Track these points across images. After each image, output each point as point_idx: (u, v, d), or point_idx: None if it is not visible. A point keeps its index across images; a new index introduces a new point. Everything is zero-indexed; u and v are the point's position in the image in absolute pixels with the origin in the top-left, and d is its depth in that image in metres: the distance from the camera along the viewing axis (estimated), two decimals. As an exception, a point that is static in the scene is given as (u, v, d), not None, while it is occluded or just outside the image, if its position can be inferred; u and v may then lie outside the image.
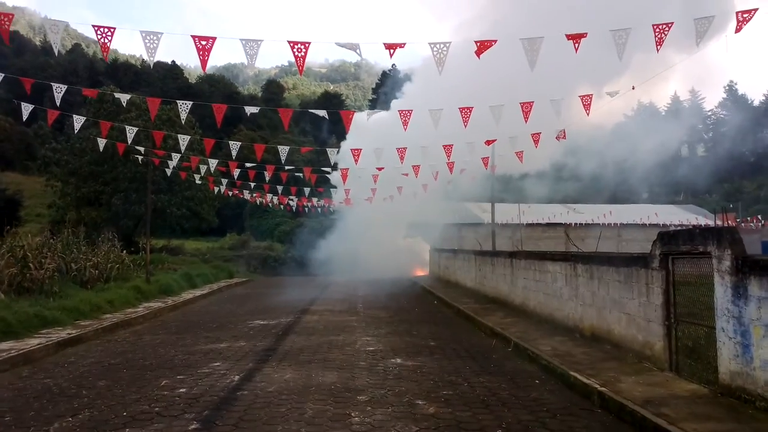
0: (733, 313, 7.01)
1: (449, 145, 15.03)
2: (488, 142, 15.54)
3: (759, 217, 47.79)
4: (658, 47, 8.86)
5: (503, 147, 16.33)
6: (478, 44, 8.26)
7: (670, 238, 8.48)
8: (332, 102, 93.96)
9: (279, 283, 31.47)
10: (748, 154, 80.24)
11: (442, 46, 8.30)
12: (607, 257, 10.77)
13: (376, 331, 13.86)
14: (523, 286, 15.68)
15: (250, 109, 14.07)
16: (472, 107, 11.33)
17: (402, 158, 15.28)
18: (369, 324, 15.04)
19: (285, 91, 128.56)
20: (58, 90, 12.01)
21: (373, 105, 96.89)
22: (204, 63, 8.45)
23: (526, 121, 11.35)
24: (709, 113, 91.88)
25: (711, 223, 46.34)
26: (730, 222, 49.68)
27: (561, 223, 43.42)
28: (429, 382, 8.67)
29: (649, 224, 42.60)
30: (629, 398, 7.23)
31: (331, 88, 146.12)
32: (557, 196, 52.47)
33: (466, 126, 11.31)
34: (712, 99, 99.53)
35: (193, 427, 6.60)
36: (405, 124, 11.44)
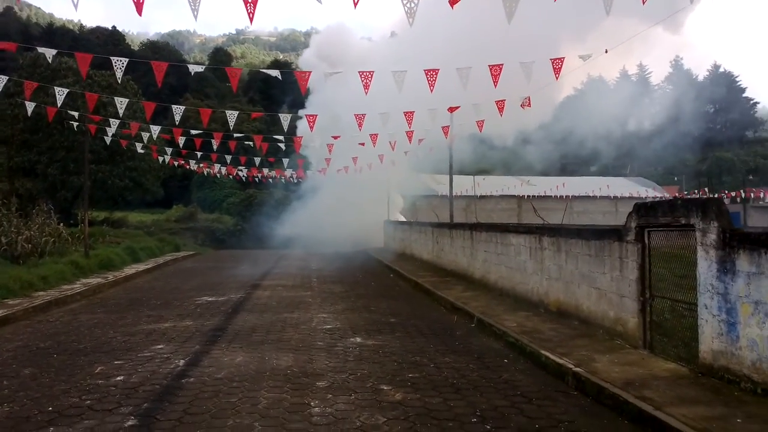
0: (718, 289, 6.61)
1: (410, 112, 14.26)
2: (451, 110, 14.86)
3: (707, 190, 49.22)
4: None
5: (468, 114, 15.65)
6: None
7: (647, 210, 8.04)
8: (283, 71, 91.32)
9: (228, 256, 30.37)
10: (692, 128, 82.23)
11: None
12: (576, 230, 10.33)
13: (332, 307, 13.19)
14: (483, 259, 15.24)
15: (194, 68, 13.06)
16: (437, 69, 10.59)
17: (360, 125, 14.44)
18: (325, 299, 14.36)
19: (233, 59, 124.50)
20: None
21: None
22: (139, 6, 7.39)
23: (495, 86, 10.71)
24: (656, 87, 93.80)
25: (660, 195, 47.28)
26: (678, 194, 50.89)
27: (514, 195, 43.64)
28: (392, 364, 8.07)
29: (600, 196, 43.27)
30: (608, 380, 6.79)
31: (281, 57, 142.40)
32: (516, 167, 52.58)
33: (432, 90, 10.58)
34: (660, 73, 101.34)
35: (129, 423, 5.79)
36: (366, 87, 10.62)
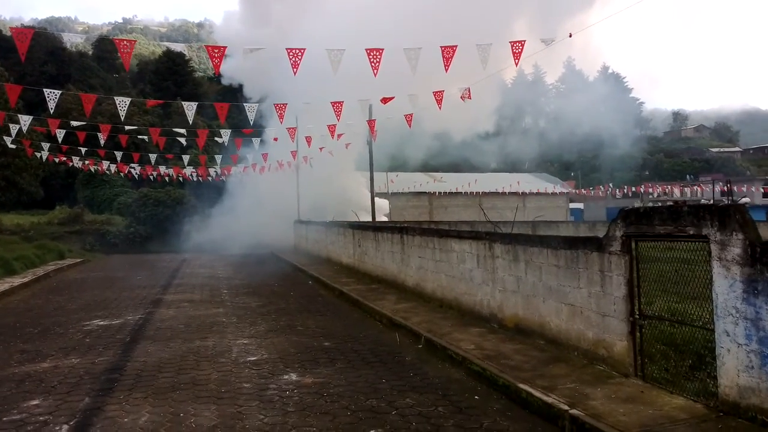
0: (745, 314, 5.53)
1: (338, 102, 12.59)
2: (384, 100, 13.32)
3: (602, 186, 50.94)
4: None
5: (404, 105, 14.17)
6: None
7: (638, 217, 6.91)
8: (176, 62, 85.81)
9: (123, 263, 27.22)
10: (584, 126, 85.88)
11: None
12: (539, 237, 9.16)
13: (252, 328, 11.33)
14: (418, 266, 13.89)
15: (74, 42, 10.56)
16: (382, 49, 9.05)
17: (281, 117, 12.62)
18: (241, 318, 12.44)
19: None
20: None
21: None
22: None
23: (446, 70, 9.34)
24: (551, 87, 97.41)
25: (565, 190, 48.47)
26: (579, 191, 52.44)
27: (425, 192, 42.96)
28: (345, 414, 6.47)
29: (509, 192, 43.54)
30: (618, 426, 5.56)
31: (173, 47, 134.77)
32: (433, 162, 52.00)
33: (376, 74, 9.03)
34: (554, 75, 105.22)
35: None
36: (295, 66, 8.89)
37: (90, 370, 8.38)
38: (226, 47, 10.06)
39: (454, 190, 43.46)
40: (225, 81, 48.00)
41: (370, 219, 23.54)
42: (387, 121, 15.99)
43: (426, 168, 53.66)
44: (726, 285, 5.73)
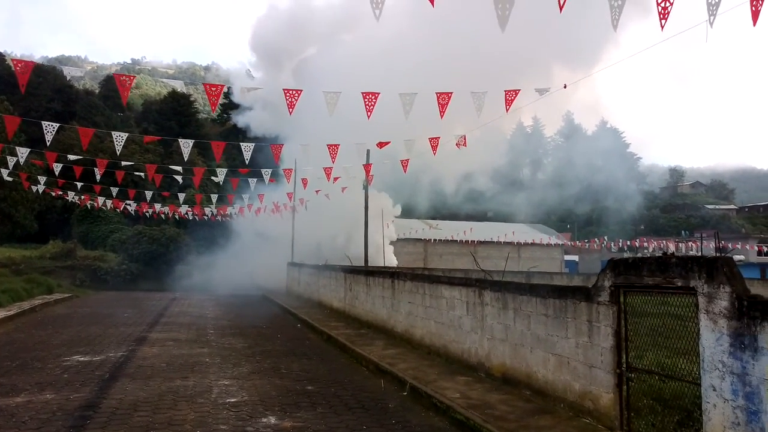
0: (732, 368, 5.43)
1: (335, 145, 12.68)
2: (380, 145, 13.42)
3: (597, 239, 50.95)
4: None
5: (400, 151, 14.27)
6: None
7: (627, 267, 6.86)
8: (180, 103, 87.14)
9: (112, 300, 26.92)
10: (581, 178, 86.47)
11: None
12: (529, 286, 9.08)
13: (235, 370, 11.10)
14: (407, 311, 13.73)
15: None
16: (378, 93, 9.15)
17: (276, 157, 12.68)
18: (225, 359, 12.21)
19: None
20: None
21: (224, 109, 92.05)
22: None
23: (441, 116, 9.44)
24: (549, 140, 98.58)
25: (560, 241, 48.50)
26: (574, 243, 52.45)
27: (421, 239, 42.94)
28: (322, 460, 6.27)
29: (504, 242, 43.50)
30: (602, 482, 5.38)
31: (179, 88, 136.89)
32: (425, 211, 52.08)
33: (369, 116, 9.12)
34: (553, 127, 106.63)
35: None
36: (291, 106, 8.98)
37: (63, 406, 8.15)
38: (224, 86, 10.17)
39: (449, 238, 43.53)
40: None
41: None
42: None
43: (429, 216, 53.96)
44: (713, 338, 5.64)
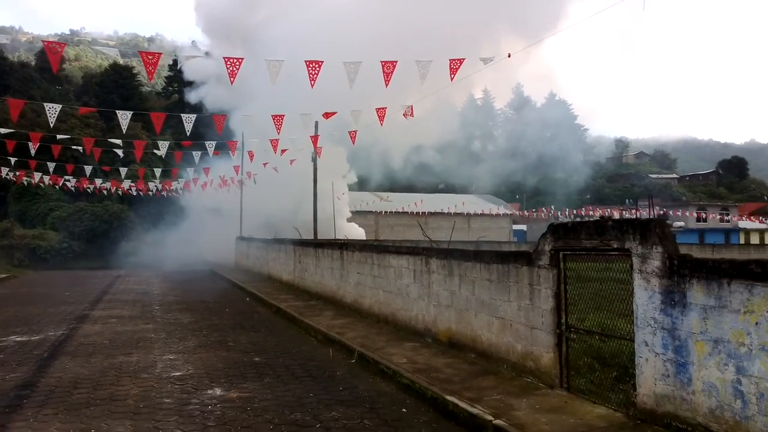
0: (663, 324, 5.63)
1: (279, 116, 12.42)
2: (326, 115, 13.19)
3: (545, 209, 52.06)
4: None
5: (347, 122, 14.07)
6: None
7: (566, 231, 7.00)
8: (122, 76, 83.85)
9: (53, 279, 26.08)
10: (531, 150, 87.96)
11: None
12: (473, 252, 9.18)
13: (180, 344, 10.93)
14: (356, 281, 13.76)
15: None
16: (321, 61, 8.96)
17: (219, 128, 12.36)
18: (171, 334, 12.00)
19: (66, 61, 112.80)
20: None
21: (170, 82, 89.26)
22: None
23: (386, 85, 9.32)
24: (499, 112, 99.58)
25: (509, 211, 49.37)
26: (522, 213, 53.44)
27: (372, 212, 42.98)
28: (268, 428, 6.25)
29: (454, 213, 43.98)
30: (540, 437, 5.55)
31: (121, 60, 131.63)
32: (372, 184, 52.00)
33: (313, 85, 8.92)
34: (503, 100, 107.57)
35: None
36: (232, 75, 8.70)
37: (-2, 386, 7.87)
38: (161, 54, 9.79)
39: (400, 210, 43.72)
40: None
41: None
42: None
43: (381, 188, 53.93)
44: (646, 296, 5.83)
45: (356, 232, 36.93)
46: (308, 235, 22.90)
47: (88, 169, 24.27)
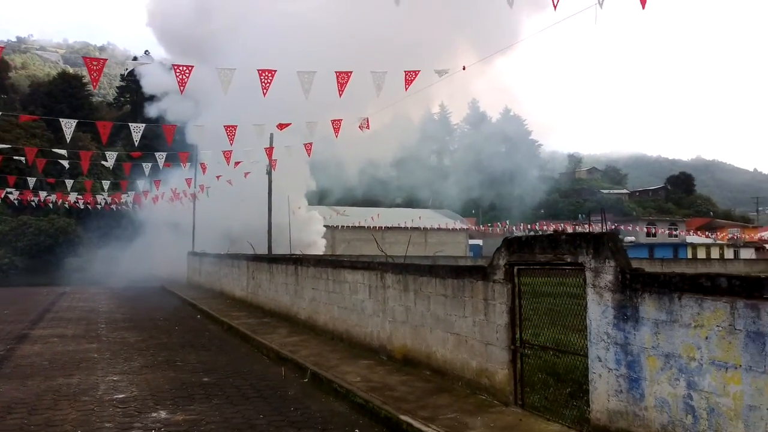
0: (616, 339, 5.62)
1: (232, 126, 12.13)
2: (281, 126, 12.92)
3: (500, 223, 52.72)
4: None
5: (304, 134, 13.81)
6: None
7: (521, 245, 6.97)
8: (71, 85, 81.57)
9: (-8, 297, 24.88)
10: (486, 165, 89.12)
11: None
12: (428, 267, 9.07)
13: (126, 365, 10.48)
14: (311, 297, 13.50)
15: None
16: (275, 70, 8.76)
17: (169, 139, 11.98)
18: (116, 354, 11.52)
19: (11, 69, 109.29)
20: None
21: (122, 92, 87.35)
22: None
23: (340, 95, 9.18)
24: (455, 127, 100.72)
25: (465, 226, 49.80)
26: (479, 228, 53.93)
27: (328, 226, 42.65)
28: (213, 453, 5.96)
29: (411, 227, 44.07)
30: (495, 457, 5.43)
31: (71, 70, 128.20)
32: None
33: (265, 94, 8.71)
34: (459, 115, 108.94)
35: None
36: (182, 83, 8.42)
37: None
38: (105, 60, 9.44)
39: (356, 224, 43.56)
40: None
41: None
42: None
43: (337, 202, 53.65)
44: (599, 311, 5.81)
45: (320, 244, 36.74)
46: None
47: (32, 181, 23.34)
